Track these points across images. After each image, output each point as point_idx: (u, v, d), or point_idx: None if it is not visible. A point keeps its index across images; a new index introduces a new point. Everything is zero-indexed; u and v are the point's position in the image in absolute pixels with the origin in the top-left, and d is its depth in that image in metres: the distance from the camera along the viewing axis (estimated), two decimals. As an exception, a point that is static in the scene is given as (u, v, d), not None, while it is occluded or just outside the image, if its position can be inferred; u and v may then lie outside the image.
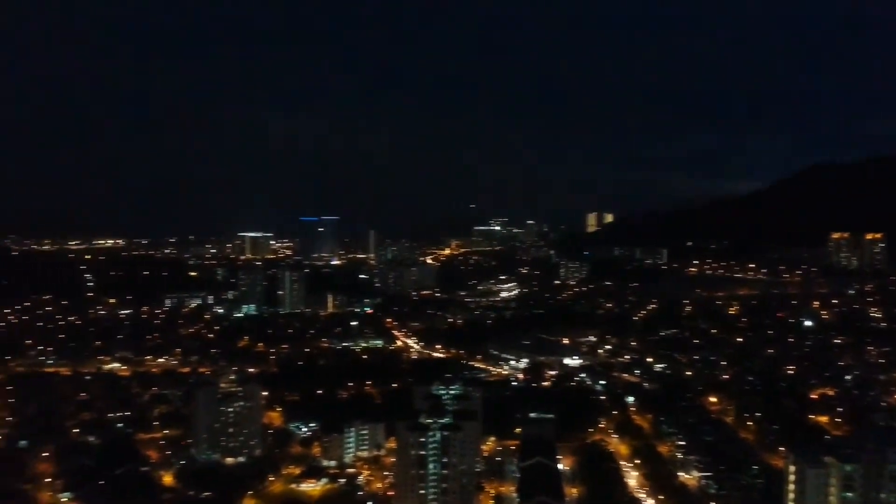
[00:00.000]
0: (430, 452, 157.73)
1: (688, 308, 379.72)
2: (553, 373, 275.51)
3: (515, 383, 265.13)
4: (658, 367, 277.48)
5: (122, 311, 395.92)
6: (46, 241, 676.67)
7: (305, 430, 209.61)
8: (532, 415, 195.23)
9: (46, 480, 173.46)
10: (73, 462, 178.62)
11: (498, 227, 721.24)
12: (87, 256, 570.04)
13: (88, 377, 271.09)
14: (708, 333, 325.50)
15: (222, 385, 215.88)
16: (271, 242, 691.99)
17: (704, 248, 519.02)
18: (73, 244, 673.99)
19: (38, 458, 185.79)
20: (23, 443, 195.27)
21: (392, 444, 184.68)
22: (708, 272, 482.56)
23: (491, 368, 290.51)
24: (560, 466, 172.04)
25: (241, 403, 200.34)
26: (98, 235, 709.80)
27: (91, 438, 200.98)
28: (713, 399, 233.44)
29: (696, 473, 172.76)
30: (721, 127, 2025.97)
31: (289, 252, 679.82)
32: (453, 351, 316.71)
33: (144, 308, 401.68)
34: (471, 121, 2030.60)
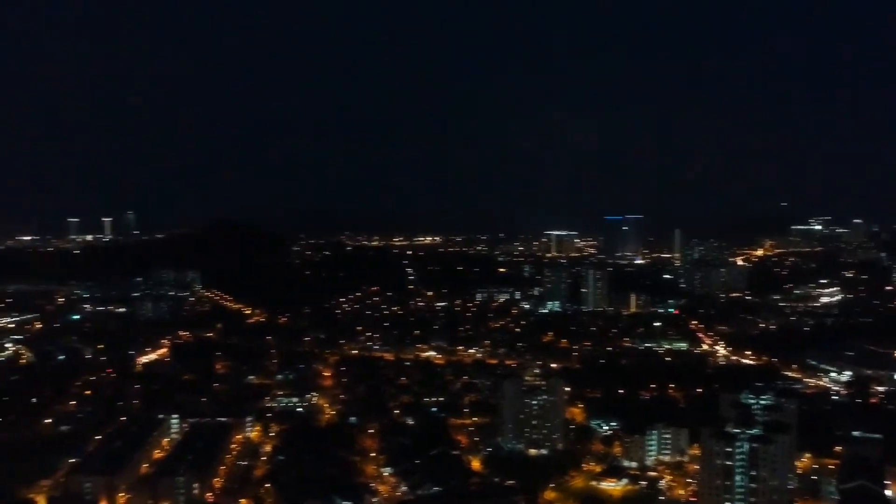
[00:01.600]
0: (738, 464, 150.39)
1: None
2: (882, 389, 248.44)
3: (836, 397, 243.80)
4: None
5: (438, 304, 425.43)
6: (375, 238, 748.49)
7: (606, 428, 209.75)
8: (856, 433, 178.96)
9: (371, 455, 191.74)
10: (394, 440, 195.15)
11: (819, 227, 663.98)
12: (408, 252, 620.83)
13: (408, 363, 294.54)
14: None
15: (527, 378, 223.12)
16: (576, 240, 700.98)
17: None
18: (397, 241, 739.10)
19: (365, 433, 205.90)
20: (353, 419, 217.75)
21: (696, 451, 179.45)
22: None
23: (807, 379, 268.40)
24: (888, 493, 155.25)
25: (545, 397, 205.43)
26: (419, 233, 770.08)
27: (409, 420, 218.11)
28: None
29: None
30: None
31: (593, 250, 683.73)
32: (765, 358, 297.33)
33: (458, 301, 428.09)
34: (788, 112, 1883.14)
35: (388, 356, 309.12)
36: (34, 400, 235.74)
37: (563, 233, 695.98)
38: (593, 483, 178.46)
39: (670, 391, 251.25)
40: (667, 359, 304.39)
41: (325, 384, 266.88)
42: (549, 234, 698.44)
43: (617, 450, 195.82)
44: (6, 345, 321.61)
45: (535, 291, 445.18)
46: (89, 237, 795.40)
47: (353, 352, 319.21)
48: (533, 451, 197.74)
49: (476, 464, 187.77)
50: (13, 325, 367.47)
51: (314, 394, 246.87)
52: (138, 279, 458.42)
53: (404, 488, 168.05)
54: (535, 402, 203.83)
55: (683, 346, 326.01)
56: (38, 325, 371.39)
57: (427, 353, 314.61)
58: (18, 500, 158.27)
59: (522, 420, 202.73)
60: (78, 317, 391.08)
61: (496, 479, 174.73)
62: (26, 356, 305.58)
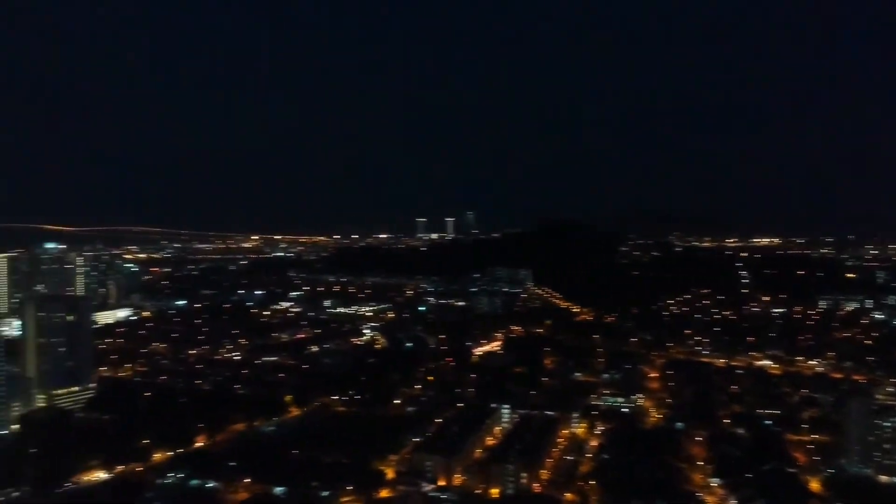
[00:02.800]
0: None
1: None
2: None
3: None
4: None
5: (775, 310, 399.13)
6: (706, 239, 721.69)
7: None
8: None
9: (698, 463, 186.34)
10: (723, 450, 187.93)
11: None
12: (742, 254, 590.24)
13: (739, 371, 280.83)
14: None
15: (879, 396, 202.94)
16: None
17: None
18: (730, 242, 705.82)
19: (692, 440, 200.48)
20: (679, 424, 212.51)
21: None
22: None
23: None
24: None
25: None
26: (755, 234, 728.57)
27: (740, 430, 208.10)
28: None
29: None
30: None
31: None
32: None
33: (797, 308, 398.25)
34: None
35: (718, 362, 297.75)
36: (386, 382, 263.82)
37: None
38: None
39: None
40: None
41: (651, 386, 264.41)
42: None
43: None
44: (364, 330, 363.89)
45: (892, 300, 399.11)
46: (434, 235, 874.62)
47: (680, 355, 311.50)
48: (883, 478, 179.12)
49: (815, 485, 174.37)
50: (371, 314, 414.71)
51: (639, 395, 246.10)
52: (476, 275, 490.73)
53: (733, 502, 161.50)
54: (887, 424, 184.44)
55: None
56: (391, 315, 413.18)
57: (761, 362, 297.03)
58: (372, 471, 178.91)
59: (872, 443, 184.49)
60: (423, 308, 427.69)
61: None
62: (380, 342, 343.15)
